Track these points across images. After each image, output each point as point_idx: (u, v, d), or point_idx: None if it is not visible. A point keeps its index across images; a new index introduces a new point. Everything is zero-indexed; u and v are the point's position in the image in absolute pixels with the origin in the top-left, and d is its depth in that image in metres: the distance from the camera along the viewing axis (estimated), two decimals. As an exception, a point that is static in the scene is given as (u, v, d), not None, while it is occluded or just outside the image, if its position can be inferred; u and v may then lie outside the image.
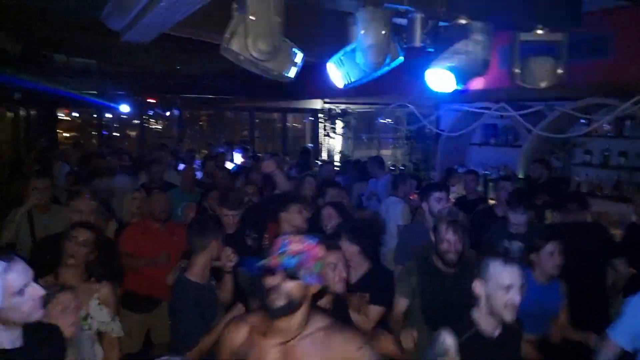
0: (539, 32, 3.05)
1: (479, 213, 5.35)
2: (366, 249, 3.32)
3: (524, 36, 3.04)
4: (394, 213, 5.41)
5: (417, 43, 2.80)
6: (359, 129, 12.80)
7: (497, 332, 2.46)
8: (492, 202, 6.36)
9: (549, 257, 3.25)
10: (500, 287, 2.38)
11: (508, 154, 8.47)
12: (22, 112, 10.56)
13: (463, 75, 2.89)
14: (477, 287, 2.47)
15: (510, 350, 2.52)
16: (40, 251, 3.57)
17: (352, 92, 3.05)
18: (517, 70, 3.13)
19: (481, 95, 6.64)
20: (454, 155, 9.11)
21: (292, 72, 2.62)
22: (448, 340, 2.38)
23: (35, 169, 7.23)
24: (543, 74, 3.07)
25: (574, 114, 6.47)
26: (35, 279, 1.94)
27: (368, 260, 3.33)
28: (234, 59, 2.51)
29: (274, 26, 2.42)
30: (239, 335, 2.10)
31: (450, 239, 3.16)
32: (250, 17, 2.39)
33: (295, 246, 1.98)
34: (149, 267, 4.18)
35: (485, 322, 2.45)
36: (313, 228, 4.04)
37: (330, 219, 4.13)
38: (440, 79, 3.03)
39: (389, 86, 6.13)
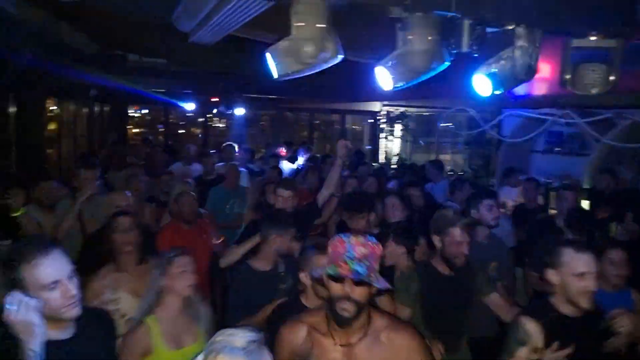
0: (592, 38, 2.98)
1: (538, 223, 5.18)
2: (412, 248, 3.36)
3: (577, 42, 2.97)
4: None
5: (465, 48, 2.79)
6: (418, 133, 12.66)
7: (578, 315, 2.39)
8: (553, 212, 6.15)
9: (610, 265, 3.13)
10: (574, 274, 2.32)
11: (573, 163, 8.15)
12: (96, 108, 11.20)
13: (504, 82, 2.86)
14: (550, 275, 2.41)
15: (594, 332, 2.40)
16: (92, 245, 3.70)
17: (410, 94, 3.06)
18: (567, 77, 3.06)
19: (546, 101, 6.44)
20: (514, 162, 8.84)
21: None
22: (529, 325, 2.35)
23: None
24: (595, 80, 2.98)
25: (646, 122, 6.16)
26: (73, 276, 1.91)
27: (413, 262, 3.35)
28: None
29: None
30: (298, 335, 2.11)
31: (463, 242, 3.00)
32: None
33: (360, 250, 1.93)
34: None
35: (564, 307, 2.40)
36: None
37: (394, 209, 4.17)
38: (485, 83, 3.01)
39: (448, 89, 6.07)
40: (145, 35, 7.07)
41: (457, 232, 2.99)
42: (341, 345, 2.02)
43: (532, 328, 2.33)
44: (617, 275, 3.13)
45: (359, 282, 1.91)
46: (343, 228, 4.35)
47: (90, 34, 7.55)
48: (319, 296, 2.57)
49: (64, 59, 7.07)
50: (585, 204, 6.48)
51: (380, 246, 2.03)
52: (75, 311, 1.91)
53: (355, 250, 1.92)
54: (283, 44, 2.78)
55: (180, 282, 2.62)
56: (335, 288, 1.94)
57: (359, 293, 1.92)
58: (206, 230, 4.50)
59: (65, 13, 5.75)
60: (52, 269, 1.85)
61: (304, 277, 2.69)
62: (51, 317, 1.87)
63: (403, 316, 2.98)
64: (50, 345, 1.83)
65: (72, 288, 1.89)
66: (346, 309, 1.92)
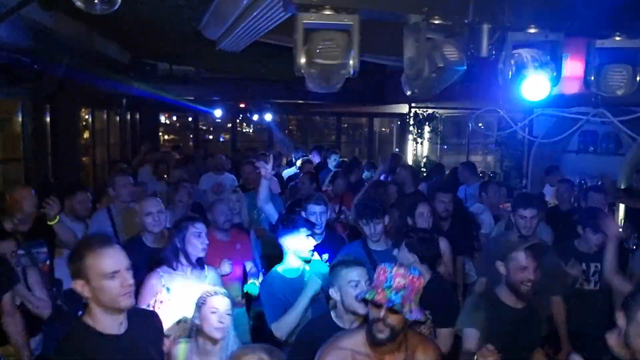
0: (617, 39, 2.90)
1: (572, 225, 5.04)
2: (425, 259, 3.26)
3: (601, 43, 2.90)
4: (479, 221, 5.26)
5: (484, 54, 2.74)
6: (447, 134, 12.52)
7: None
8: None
9: None
10: None
11: (608, 162, 7.90)
12: (128, 116, 11.47)
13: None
14: (621, 319, 2.07)
15: None
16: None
17: (437, 95, 3.02)
18: (592, 78, 2.99)
19: (578, 99, 6.27)
20: (547, 162, 8.64)
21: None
22: None
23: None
24: (620, 81, 2.89)
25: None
26: (130, 269, 2.05)
27: (430, 271, 3.28)
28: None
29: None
30: None
31: (529, 268, 2.80)
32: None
33: (399, 280, 2.14)
34: None
35: (621, 352, 2.12)
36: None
37: (423, 218, 4.14)
38: (539, 86, 2.93)
39: (476, 90, 5.99)
40: (175, 43, 7.20)
41: (519, 257, 2.82)
42: None
43: None
44: None
45: (392, 310, 2.11)
46: (356, 234, 4.33)
47: (122, 44, 7.75)
48: (350, 312, 2.65)
49: (97, 69, 7.27)
50: (622, 207, 6.29)
51: (422, 279, 2.21)
52: (130, 301, 2.05)
53: (395, 280, 2.14)
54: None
55: (210, 323, 2.64)
56: (374, 311, 2.17)
57: (394, 319, 2.13)
58: (242, 240, 4.42)
59: (98, 24, 5.91)
60: (114, 259, 2.02)
61: (333, 292, 2.73)
62: (108, 307, 2.01)
63: (470, 342, 2.76)
64: (106, 338, 2.01)
65: (130, 279, 2.04)
66: (379, 331, 2.14)
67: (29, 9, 4.36)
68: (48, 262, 4.01)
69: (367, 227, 3.72)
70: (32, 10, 4.58)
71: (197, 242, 3.25)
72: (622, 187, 6.94)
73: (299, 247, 3.31)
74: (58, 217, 3.98)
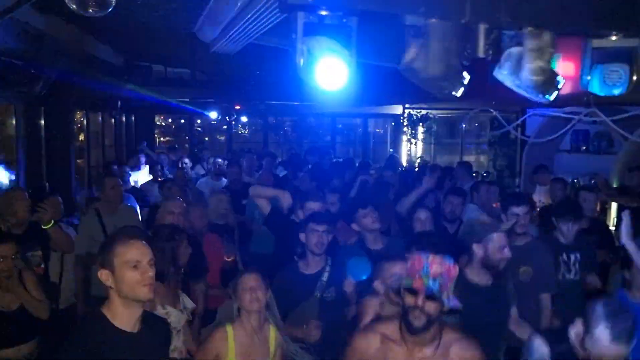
0: (613, 38, 2.93)
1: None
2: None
3: (597, 43, 2.93)
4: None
5: (481, 54, 2.78)
6: (441, 134, 12.58)
7: None
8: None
9: None
10: (604, 349, 2.11)
11: (601, 161, 7.98)
12: (123, 119, 11.44)
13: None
14: (579, 326, 2.23)
15: None
16: None
17: (432, 96, 3.07)
18: (588, 78, 3.03)
19: (570, 99, 6.32)
20: (540, 162, 8.72)
21: (459, 92, 2.84)
22: (543, 348, 2.36)
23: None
24: (617, 81, 2.93)
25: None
26: (153, 264, 2.14)
27: None
28: (412, 77, 2.70)
29: (449, 50, 2.59)
30: (371, 344, 2.28)
31: (505, 247, 2.99)
32: (433, 42, 2.58)
33: (436, 268, 2.14)
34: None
35: (579, 350, 2.27)
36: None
37: (424, 224, 4.15)
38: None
39: (469, 90, 6.01)
40: (169, 46, 7.21)
41: (500, 237, 3.00)
42: (415, 355, 2.20)
43: (545, 352, 2.33)
44: None
45: (430, 297, 2.12)
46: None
47: (116, 47, 7.74)
48: (393, 304, 2.67)
49: (90, 72, 7.26)
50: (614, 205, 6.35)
51: (457, 267, 2.20)
52: (149, 292, 2.12)
53: (431, 267, 2.13)
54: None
55: (245, 299, 2.80)
56: (410, 299, 2.17)
57: (431, 306, 2.13)
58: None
59: (92, 27, 5.90)
60: (138, 251, 2.11)
61: (377, 284, 2.80)
62: (129, 297, 2.09)
63: None
64: (119, 333, 2.09)
65: (150, 271, 2.12)
66: (416, 318, 2.14)
67: (22, 12, 4.35)
68: (42, 265, 4.02)
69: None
70: (25, 14, 4.57)
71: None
72: (615, 185, 7.01)
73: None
74: (52, 221, 3.97)
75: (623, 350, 2.10)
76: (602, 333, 2.16)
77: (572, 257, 4.00)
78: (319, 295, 3.35)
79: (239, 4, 3.60)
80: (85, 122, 9.42)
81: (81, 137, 9.37)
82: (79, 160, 9.02)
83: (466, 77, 2.79)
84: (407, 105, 11.75)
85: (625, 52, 2.95)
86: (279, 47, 4.79)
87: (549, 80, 2.79)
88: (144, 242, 2.17)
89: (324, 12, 2.55)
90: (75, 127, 8.77)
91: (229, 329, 2.82)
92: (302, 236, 3.47)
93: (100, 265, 2.11)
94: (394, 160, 10.25)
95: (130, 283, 2.07)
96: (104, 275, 2.10)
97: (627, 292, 3.03)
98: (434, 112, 11.90)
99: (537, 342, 2.36)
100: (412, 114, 11.87)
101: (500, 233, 3.02)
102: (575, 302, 3.82)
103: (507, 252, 2.99)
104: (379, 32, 3.45)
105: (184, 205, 4.20)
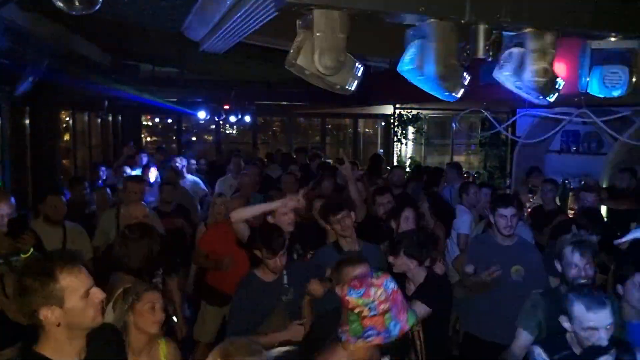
0: (612, 39, 2.91)
1: (558, 226, 5.07)
2: (424, 261, 3.32)
3: (596, 44, 2.91)
4: (458, 222, 5.27)
5: (481, 54, 2.74)
6: (431, 135, 12.59)
7: None
8: (570, 213, 6.05)
9: (637, 289, 2.83)
10: (585, 328, 2.33)
11: (590, 162, 8.02)
12: (110, 118, 11.31)
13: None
14: (563, 321, 2.43)
15: None
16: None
17: (422, 97, 3.03)
18: (587, 79, 3.00)
19: (563, 100, 6.33)
20: (530, 162, 8.75)
21: (353, 86, 2.71)
22: (543, 356, 2.38)
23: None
24: (616, 82, 2.91)
25: (665, 119, 6.03)
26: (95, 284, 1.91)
27: (425, 270, 3.34)
28: (300, 73, 2.60)
29: (338, 42, 2.48)
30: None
31: (578, 263, 2.88)
32: (317, 33, 2.46)
33: (383, 307, 1.90)
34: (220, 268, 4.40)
35: (577, 348, 2.41)
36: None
37: (408, 222, 4.13)
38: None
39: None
40: (157, 45, 7.11)
41: (568, 252, 2.91)
42: None
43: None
44: None
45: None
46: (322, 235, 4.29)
47: (103, 46, 7.63)
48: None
49: (77, 71, 7.14)
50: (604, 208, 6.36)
51: (400, 292, 2.01)
52: (101, 317, 1.92)
53: (378, 308, 1.90)
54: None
55: (147, 319, 2.53)
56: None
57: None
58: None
59: (78, 25, 5.80)
60: (85, 276, 1.87)
61: (338, 289, 2.68)
62: (79, 329, 1.86)
63: (521, 341, 2.88)
64: None
65: (101, 294, 1.90)
66: None
67: (7, 10, 4.26)
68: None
69: (336, 222, 3.78)
70: (10, 11, 4.48)
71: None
72: (604, 185, 7.04)
73: None
74: (32, 249, 3.79)
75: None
76: (568, 252, 2.86)
77: None
78: (284, 299, 3.31)
79: (228, 3, 3.53)
80: (71, 121, 9.29)
81: (67, 137, 9.24)
82: (64, 161, 8.88)
83: (467, 77, 2.73)
84: (397, 106, 11.74)
85: (624, 54, 2.93)
86: (269, 46, 4.73)
87: (550, 82, 2.76)
88: (79, 263, 1.88)
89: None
90: (61, 126, 8.64)
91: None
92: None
93: (39, 304, 1.78)
94: (378, 159, 10.22)
95: (85, 314, 1.83)
96: (46, 312, 1.78)
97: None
98: (424, 112, 11.90)
99: (537, 351, 2.36)
100: (402, 114, 11.86)
101: (576, 250, 2.91)
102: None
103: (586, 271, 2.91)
104: (373, 31, 3.40)
105: (147, 209, 4.20)
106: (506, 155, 10.00)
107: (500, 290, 3.64)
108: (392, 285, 1.95)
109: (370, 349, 1.96)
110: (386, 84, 6.61)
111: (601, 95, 3.01)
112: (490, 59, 2.78)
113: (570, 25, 2.75)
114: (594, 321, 2.30)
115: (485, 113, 6.93)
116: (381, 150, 13.12)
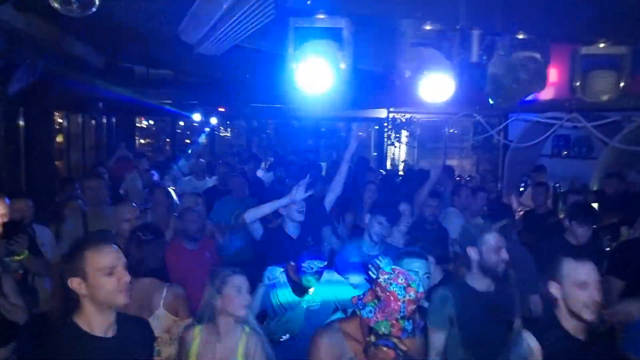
0: (602, 45, 2.97)
1: (549, 228, 5.13)
2: (440, 257, 3.36)
3: (586, 50, 2.97)
4: (449, 225, 5.29)
5: (474, 59, 2.78)
6: (424, 138, 12.65)
7: (583, 335, 2.29)
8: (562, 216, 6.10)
9: None
10: (577, 285, 2.23)
11: (581, 166, 8.11)
12: (104, 120, 11.28)
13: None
14: (552, 288, 2.32)
15: (602, 354, 2.32)
16: None
17: (416, 100, 3.07)
18: (577, 84, 3.06)
19: (552, 105, 6.41)
20: (522, 166, 8.83)
21: None
22: (532, 342, 2.29)
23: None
24: (605, 87, 2.97)
25: (654, 125, 6.12)
26: (126, 268, 2.09)
27: (442, 271, 3.38)
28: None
29: None
30: (334, 341, 2.29)
31: (501, 248, 2.83)
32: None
33: (411, 308, 2.07)
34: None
35: (568, 323, 2.30)
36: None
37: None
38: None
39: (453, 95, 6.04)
40: (152, 47, 7.12)
41: (494, 238, 2.86)
42: None
43: (534, 346, 2.27)
44: None
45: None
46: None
47: (98, 48, 7.63)
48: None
49: (71, 72, 7.13)
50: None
51: (422, 292, 2.14)
52: (125, 298, 2.07)
53: (407, 309, 2.05)
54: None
55: (234, 302, 2.66)
56: (386, 354, 2.09)
57: (407, 342, 2.11)
58: (211, 249, 4.29)
59: (73, 27, 5.81)
60: (112, 256, 2.06)
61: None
62: (104, 304, 2.04)
63: (437, 344, 2.79)
64: (94, 339, 2.04)
65: (126, 276, 2.07)
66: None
67: (1, 11, 4.26)
68: (21, 271, 3.91)
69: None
70: (5, 12, 4.48)
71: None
72: (594, 189, 7.12)
73: None
74: (26, 252, 3.77)
75: None
76: None
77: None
78: (305, 305, 3.30)
79: (224, 6, 3.56)
80: (65, 123, 9.26)
81: (61, 139, 9.21)
82: (58, 162, 8.86)
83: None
84: (391, 109, 11.79)
85: (613, 59, 2.98)
86: (263, 50, 4.76)
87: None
88: (114, 245, 2.11)
89: (321, 16, 2.52)
90: (55, 128, 8.61)
91: (197, 330, 2.70)
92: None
93: (69, 274, 2.03)
94: (365, 162, 10.21)
95: (106, 290, 2.02)
96: (74, 283, 2.02)
97: None
98: (418, 116, 11.96)
99: (525, 336, 2.33)
100: (396, 118, 11.92)
101: (493, 233, 2.87)
102: None
103: (504, 254, 2.83)
104: (370, 36, 3.44)
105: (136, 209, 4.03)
106: (498, 159, 10.08)
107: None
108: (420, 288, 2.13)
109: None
110: (380, 87, 6.65)
111: (590, 100, 3.07)
112: (483, 63, 2.83)
113: (561, 31, 2.80)
114: (584, 274, 2.24)
115: (478, 117, 7.00)
116: (375, 153, 13.16)
